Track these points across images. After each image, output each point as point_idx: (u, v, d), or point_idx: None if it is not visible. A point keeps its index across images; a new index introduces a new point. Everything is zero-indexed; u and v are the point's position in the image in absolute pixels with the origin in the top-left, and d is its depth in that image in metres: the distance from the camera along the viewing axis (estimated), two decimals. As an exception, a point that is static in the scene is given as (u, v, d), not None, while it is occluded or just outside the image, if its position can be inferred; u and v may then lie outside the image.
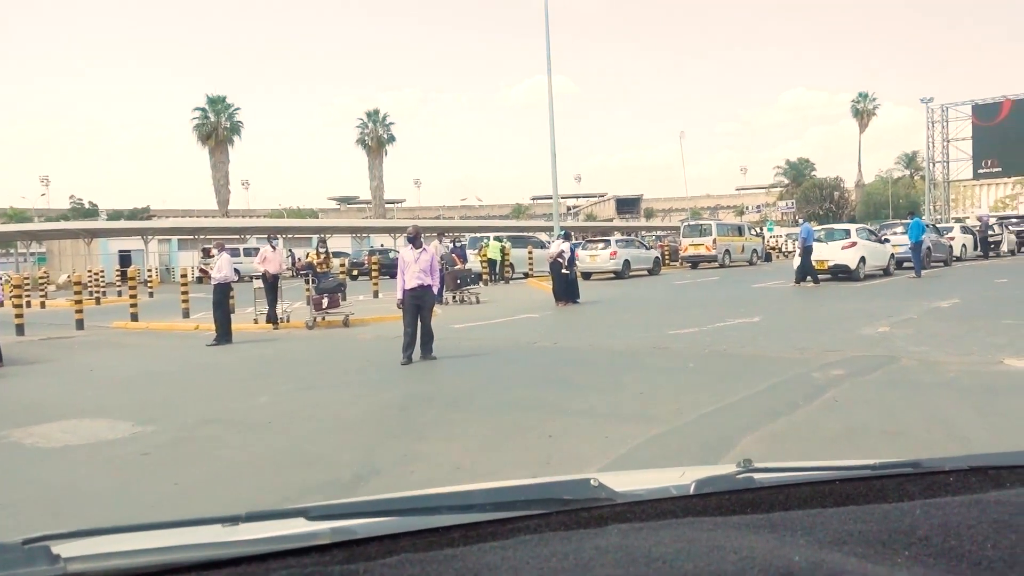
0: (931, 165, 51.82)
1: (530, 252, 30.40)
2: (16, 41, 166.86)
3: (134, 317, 18.62)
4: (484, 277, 26.55)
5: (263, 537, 0.93)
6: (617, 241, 30.04)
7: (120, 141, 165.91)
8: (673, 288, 22.94)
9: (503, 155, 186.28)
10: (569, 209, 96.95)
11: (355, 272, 35.66)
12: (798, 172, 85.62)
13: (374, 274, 25.12)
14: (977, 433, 5.59)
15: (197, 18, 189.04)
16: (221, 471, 5.71)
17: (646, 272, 29.78)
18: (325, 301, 15.54)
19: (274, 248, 16.69)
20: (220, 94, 58.25)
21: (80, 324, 17.99)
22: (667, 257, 34.34)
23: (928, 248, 24.42)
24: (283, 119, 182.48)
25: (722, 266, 32.13)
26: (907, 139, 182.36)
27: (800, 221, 31.28)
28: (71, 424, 7.42)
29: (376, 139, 63.96)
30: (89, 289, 29.35)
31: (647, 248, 32.38)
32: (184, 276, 20.96)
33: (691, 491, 1.12)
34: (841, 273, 21.69)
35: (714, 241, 32.25)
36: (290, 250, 39.75)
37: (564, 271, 18.37)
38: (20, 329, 17.01)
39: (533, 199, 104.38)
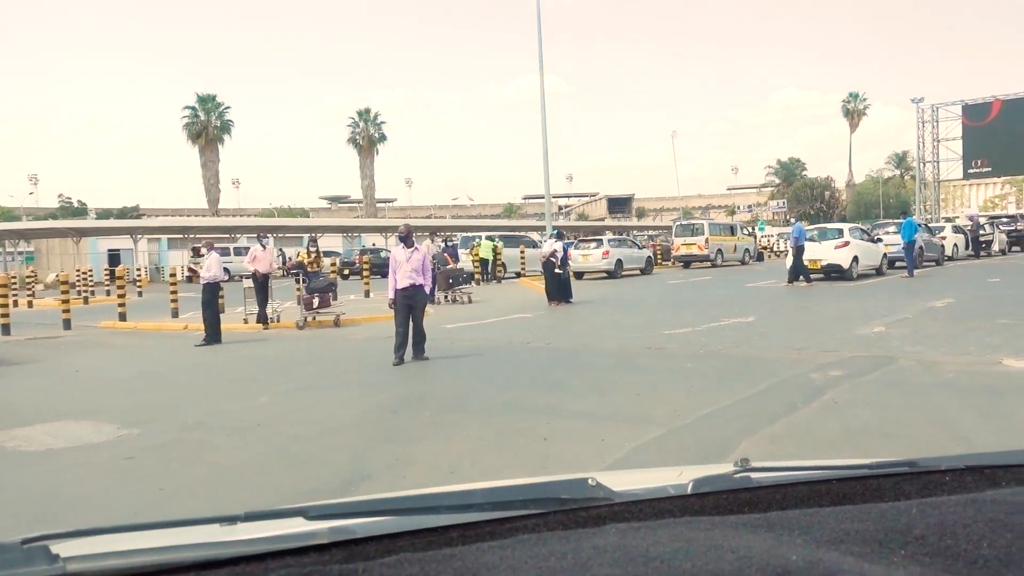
0: (921, 165, 51.96)
1: (522, 251, 30.28)
2: (3, 38, 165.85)
3: (122, 317, 18.42)
4: (476, 276, 26.41)
5: (261, 537, 0.93)
6: (609, 240, 29.96)
7: (109, 140, 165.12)
8: (666, 288, 22.86)
9: (494, 154, 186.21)
10: (561, 208, 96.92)
11: (346, 271, 35.47)
12: (789, 172, 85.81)
13: (365, 273, 24.97)
14: (980, 435, 5.49)
15: (187, 16, 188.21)
16: (208, 475, 5.57)
17: (638, 272, 29.72)
18: (316, 301, 15.38)
19: (264, 247, 16.52)
20: (210, 93, 58.07)
21: (67, 324, 17.78)
22: (659, 256, 34.28)
23: (920, 248, 24.42)
24: (274, 118, 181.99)
25: (714, 265, 32.09)
26: (897, 139, 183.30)
27: (792, 220, 31.30)
28: (55, 427, 7.25)
29: (367, 138, 63.72)
30: (77, 288, 29.13)
31: (639, 248, 32.30)
32: (173, 275, 20.75)
33: (689, 490, 1.11)
34: (834, 273, 21.67)
35: (706, 240, 32.21)
36: (280, 249, 39.51)
37: (557, 271, 18.27)
38: (6, 329, 16.81)
39: (525, 198, 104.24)
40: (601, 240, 29.72)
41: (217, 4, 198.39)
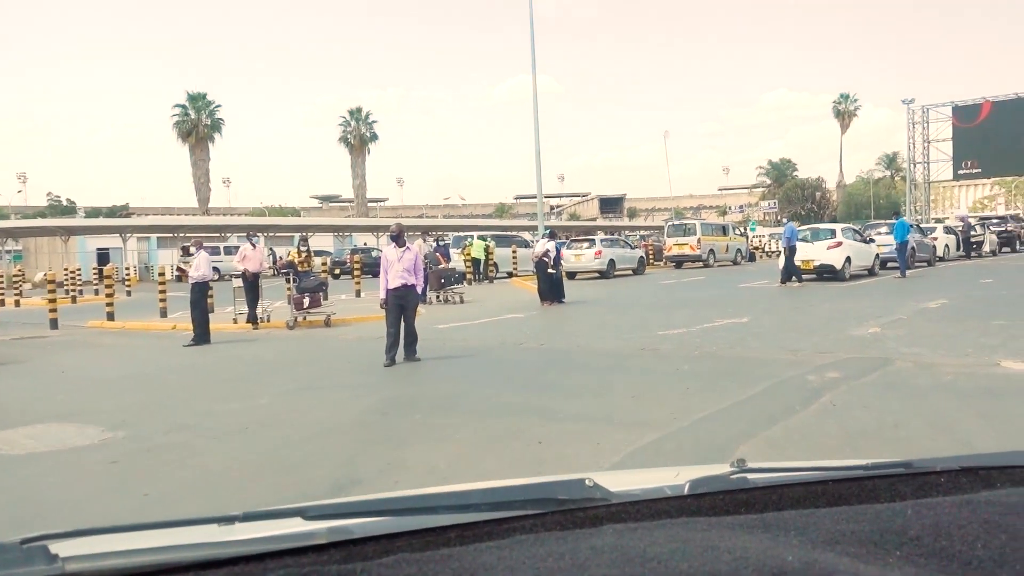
0: (912, 166, 52.10)
1: (514, 251, 30.17)
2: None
3: (110, 316, 18.21)
4: (468, 276, 26.28)
5: (260, 537, 0.92)
6: (602, 240, 29.86)
7: (99, 138, 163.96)
8: (659, 288, 22.78)
9: (486, 154, 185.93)
10: (552, 208, 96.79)
11: (337, 271, 35.31)
12: (780, 172, 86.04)
13: (356, 273, 24.81)
14: (982, 440, 5.39)
15: (177, 14, 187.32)
16: (194, 480, 5.42)
17: (631, 272, 29.63)
18: (306, 300, 15.22)
19: (254, 246, 16.34)
20: (201, 91, 57.64)
21: (54, 323, 17.59)
22: (651, 257, 34.21)
23: (913, 248, 24.41)
24: (265, 117, 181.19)
25: (706, 266, 32.03)
26: (888, 140, 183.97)
27: (784, 221, 31.25)
28: (38, 429, 7.09)
29: (359, 137, 63.49)
30: (65, 288, 28.85)
31: (632, 248, 32.22)
32: (162, 275, 20.53)
33: (685, 491, 1.11)
34: (826, 273, 21.61)
35: (699, 241, 32.14)
36: (271, 248, 39.29)
37: (550, 270, 18.16)
38: (-8, 329, 16.58)
39: (516, 198, 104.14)
40: (593, 240, 29.63)
41: (208, 2, 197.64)
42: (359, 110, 63.89)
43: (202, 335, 13.60)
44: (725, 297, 18.34)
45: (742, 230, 41.55)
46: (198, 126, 56.74)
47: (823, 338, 10.69)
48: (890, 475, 1.16)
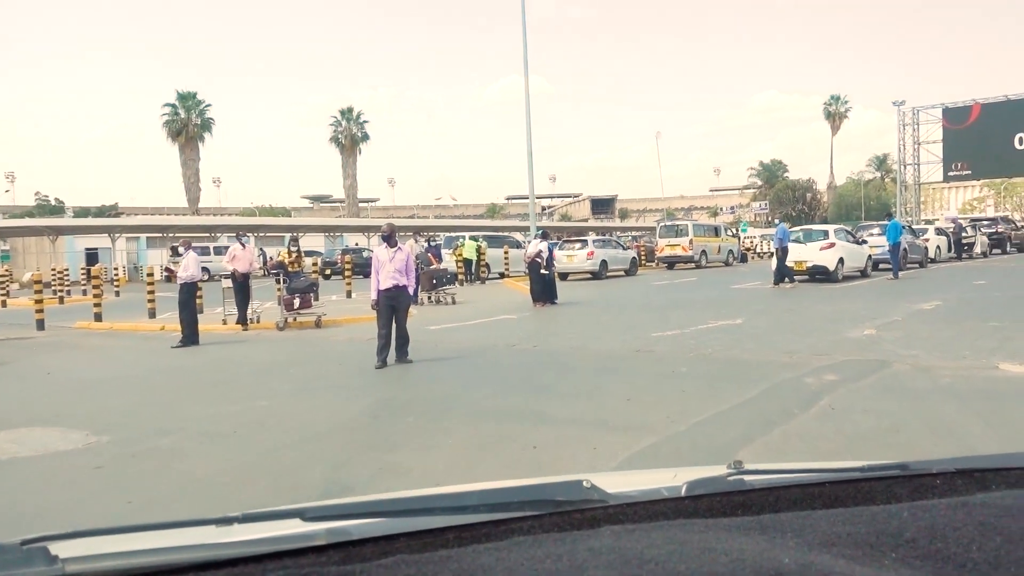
0: (902, 167, 52.16)
1: (506, 252, 30.05)
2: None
3: (98, 317, 17.99)
4: (460, 277, 26.14)
5: (259, 538, 0.92)
6: (594, 241, 29.78)
7: (88, 137, 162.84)
8: (651, 289, 22.70)
9: (478, 155, 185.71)
10: (544, 209, 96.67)
11: (328, 271, 35.11)
12: (771, 174, 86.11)
13: (347, 274, 24.64)
14: (985, 444, 5.30)
15: (167, 13, 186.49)
16: (179, 487, 5.28)
17: (623, 273, 29.56)
18: (297, 301, 15.06)
19: (244, 246, 16.17)
20: (191, 90, 57.26)
21: (41, 324, 17.36)
22: (643, 258, 34.15)
23: (905, 250, 24.42)
24: (256, 116, 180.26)
25: (698, 267, 31.98)
26: (878, 142, 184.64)
27: (776, 222, 31.23)
28: (20, 433, 6.93)
29: (350, 137, 63.24)
30: (53, 288, 28.58)
31: (624, 248, 32.14)
32: (150, 275, 20.31)
33: (683, 493, 1.11)
34: (819, 274, 21.58)
35: (690, 242, 32.08)
36: (261, 249, 39.06)
37: (543, 271, 18.05)
38: (-23, 329, 16.35)
39: (508, 199, 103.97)
40: (586, 241, 29.55)
41: (199, 2, 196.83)
42: (350, 110, 63.67)
43: (191, 336, 13.43)
44: (718, 298, 18.26)
45: (734, 231, 41.56)
46: (188, 125, 56.38)
47: (819, 340, 10.61)
48: (886, 477, 1.15)
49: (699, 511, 1.07)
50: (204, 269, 19.25)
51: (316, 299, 15.63)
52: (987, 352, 9.06)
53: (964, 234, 33.49)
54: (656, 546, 0.89)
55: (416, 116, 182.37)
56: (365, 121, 64.17)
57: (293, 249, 19.78)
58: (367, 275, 12.68)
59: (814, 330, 11.71)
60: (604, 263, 28.13)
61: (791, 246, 21.52)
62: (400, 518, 1.01)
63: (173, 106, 56.49)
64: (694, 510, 1.07)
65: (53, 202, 73.51)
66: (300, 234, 30.04)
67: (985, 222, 39.42)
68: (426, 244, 25.58)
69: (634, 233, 62.90)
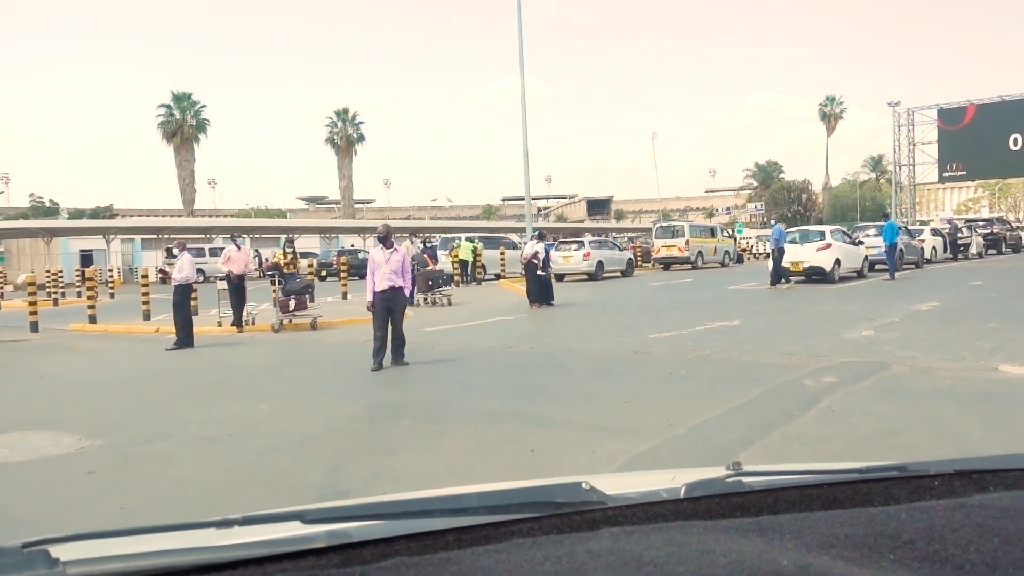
0: (897, 168, 52.19)
1: (502, 253, 29.99)
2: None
3: (92, 319, 17.90)
4: (456, 278, 26.07)
5: (259, 540, 0.93)
6: (590, 242, 29.72)
7: (83, 138, 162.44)
8: (648, 290, 22.66)
9: (473, 156, 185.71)
10: (540, 210, 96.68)
11: (324, 273, 35.02)
12: (767, 175, 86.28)
13: (343, 275, 24.54)
14: (988, 447, 5.24)
15: (162, 13, 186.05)
16: (171, 492, 5.20)
17: (619, 274, 29.50)
18: (292, 303, 14.98)
19: (239, 247, 16.08)
20: (186, 91, 57.14)
21: (35, 327, 17.24)
22: (639, 258, 34.11)
23: (901, 250, 24.41)
24: (251, 117, 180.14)
25: (694, 268, 31.95)
26: (873, 142, 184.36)
27: (772, 223, 31.22)
28: (11, 438, 6.85)
29: (345, 138, 63.17)
30: (47, 290, 28.44)
31: (620, 249, 32.09)
32: (145, 276, 20.19)
33: (681, 495, 1.11)
34: (816, 275, 21.56)
35: (687, 242, 32.04)
36: (256, 250, 38.95)
37: (539, 272, 17.99)
38: (-30, 332, 16.24)
39: (504, 200, 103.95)
40: (582, 242, 29.49)
41: (194, 2, 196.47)
42: (346, 111, 63.66)
43: (185, 338, 13.34)
44: (715, 299, 18.22)
45: (729, 232, 41.55)
46: (183, 126, 56.28)
47: (817, 341, 10.57)
48: (884, 479, 1.15)
49: (698, 513, 1.07)
50: (199, 270, 19.14)
51: (312, 301, 15.54)
52: (986, 353, 9.02)
53: (960, 235, 33.53)
54: (655, 548, 0.89)
55: (412, 117, 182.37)
56: (361, 122, 64.27)
57: (288, 250, 19.74)
58: (363, 276, 12.60)
59: (812, 331, 11.67)
60: (600, 264, 28.08)
61: (787, 247, 21.50)
62: (399, 520, 1.01)
63: (168, 107, 56.39)
64: (693, 512, 1.07)
65: (48, 203, 73.33)
66: (296, 235, 29.98)
67: (980, 223, 39.50)
68: (422, 245, 25.53)
69: (630, 234, 62.84)
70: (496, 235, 37.73)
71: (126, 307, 21.17)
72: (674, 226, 35.22)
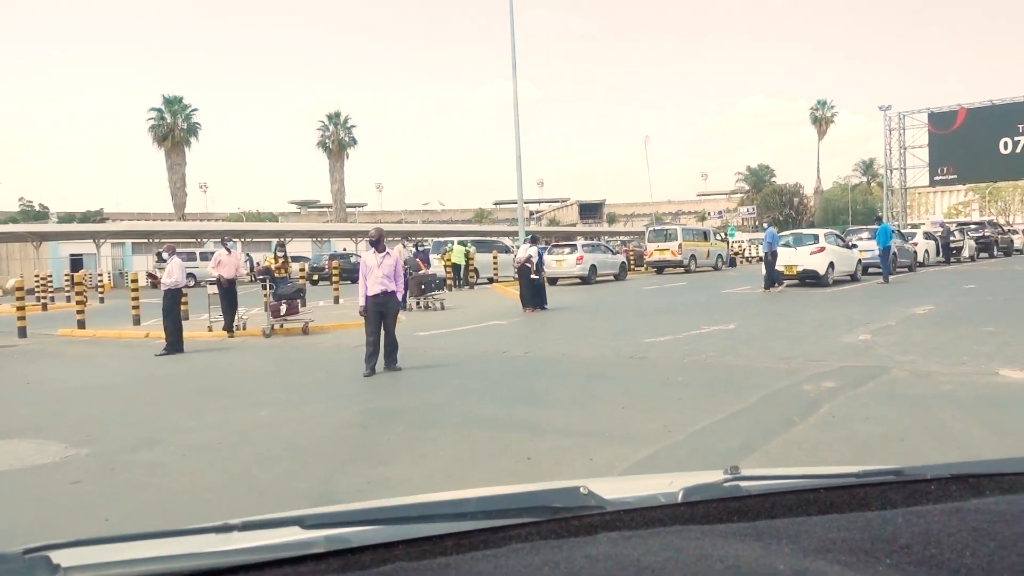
0: (889, 172, 52.31)
1: (495, 257, 29.86)
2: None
3: (81, 324, 17.69)
4: (448, 282, 25.94)
5: (258, 545, 0.93)
6: (584, 246, 29.65)
7: (73, 141, 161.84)
8: (642, 294, 22.57)
9: (465, 159, 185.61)
10: (532, 214, 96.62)
11: (315, 277, 34.83)
12: (758, 178, 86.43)
13: (335, 279, 24.37)
14: (994, 454, 5.13)
15: (153, 16, 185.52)
16: (158, 503, 5.06)
17: (612, 277, 29.44)
18: (283, 307, 14.82)
19: (229, 251, 15.90)
20: (177, 94, 56.73)
21: (23, 332, 17.04)
22: (632, 262, 34.03)
23: (894, 254, 24.40)
24: (243, 121, 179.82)
25: (688, 271, 31.88)
26: (864, 146, 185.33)
27: (764, 226, 31.18)
28: (-5, 446, 6.68)
29: (337, 142, 62.90)
30: (36, 295, 28.18)
31: (613, 253, 32.02)
32: (135, 281, 19.99)
33: (679, 499, 1.11)
34: (810, 278, 21.51)
35: (680, 246, 31.98)
36: (248, 254, 38.70)
37: (533, 276, 17.88)
38: (-44, 337, 16.02)
39: (496, 204, 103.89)
40: (575, 245, 29.41)
41: (186, 6, 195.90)
42: (338, 114, 63.33)
43: (175, 344, 13.16)
44: (709, 303, 18.14)
45: (722, 235, 41.53)
46: (174, 130, 55.90)
47: (814, 345, 10.47)
48: (881, 483, 1.15)
49: (696, 517, 1.07)
50: (190, 275, 18.96)
51: (303, 305, 15.39)
52: (985, 357, 8.94)
53: (952, 238, 33.60)
54: (652, 553, 0.89)
55: (404, 121, 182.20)
56: (353, 126, 63.92)
57: (279, 254, 19.48)
58: (355, 281, 12.47)
59: (808, 335, 11.58)
60: (593, 268, 28.00)
61: (781, 250, 21.44)
62: (398, 525, 1.01)
63: (159, 111, 56.01)
64: (690, 516, 1.08)
65: (37, 207, 72.97)
66: (287, 239, 29.74)
67: (972, 226, 39.58)
68: (414, 249, 25.39)
69: (623, 237, 62.79)
70: (489, 239, 37.64)
71: (116, 312, 20.97)
72: (667, 229, 35.16)
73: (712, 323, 13.50)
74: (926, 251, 30.92)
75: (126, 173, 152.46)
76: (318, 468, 5.70)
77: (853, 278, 22.95)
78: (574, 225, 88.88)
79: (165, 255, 14.69)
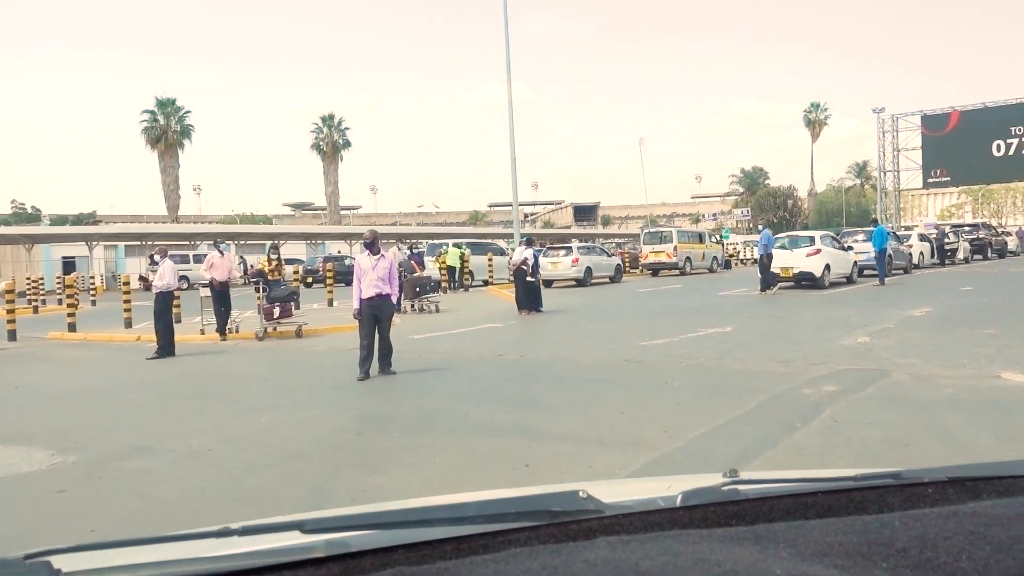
0: (882, 174, 52.37)
1: (490, 259, 29.75)
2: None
3: (72, 327, 17.51)
4: (443, 285, 25.80)
5: (259, 550, 0.93)
6: (579, 248, 29.57)
7: (66, 143, 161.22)
8: (637, 296, 22.47)
9: (460, 162, 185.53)
10: (526, 216, 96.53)
11: (309, 279, 34.65)
12: (752, 181, 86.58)
13: (329, 282, 24.21)
14: (1000, 459, 5.04)
15: (147, 18, 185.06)
16: (147, 512, 4.92)
17: (608, 280, 29.35)
18: (277, 310, 14.68)
19: (222, 254, 15.77)
20: (170, 96, 56.41)
21: (12, 335, 16.87)
22: (627, 264, 33.97)
23: (890, 256, 24.36)
24: (236, 123, 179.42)
25: (683, 273, 31.83)
26: (857, 149, 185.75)
27: (759, 228, 31.16)
28: (-19, 453, 6.53)
29: (331, 144, 62.69)
30: (27, 297, 27.96)
31: (608, 255, 31.94)
32: (127, 283, 19.80)
33: (678, 503, 1.11)
34: (806, 281, 21.44)
35: (675, 248, 31.95)
36: (241, 257, 38.52)
37: (529, 278, 17.77)
38: (-55, 341, 15.84)
39: (490, 206, 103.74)
40: (570, 248, 29.34)
41: (179, 7, 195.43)
42: (332, 117, 63.11)
43: (167, 347, 13.01)
44: (705, 305, 18.05)
45: (717, 238, 41.49)
46: (167, 132, 55.59)
47: (813, 348, 10.38)
48: (879, 486, 1.15)
49: (694, 521, 1.07)
50: (183, 277, 18.79)
51: (297, 308, 15.27)
52: (986, 360, 8.85)
53: (947, 240, 33.61)
54: (651, 557, 0.89)
55: (398, 123, 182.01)
56: (347, 128, 63.68)
57: (273, 257, 19.35)
58: (349, 283, 12.34)
59: (806, 338, 11.49)
60: (589, 270, 27.92)
61: (777, 252, 21.38)
62: (398, 530, 1.00)
63: (152, 113, 55.69)
64: (689, 520, 1.07)
65: (29, 210, 72.65)
66: (281, 242, 29.65)
67: (967, 228, 39.63)
68: (409, 251, 25.25)
69: (618, 240, 62.75)
70: (483, 241, 37.50)
71: (108, 315, 20.80)
72: (662, 232, 35.13)
73: (709, 326, 13.40)
74: (921, 253, 30.90)
75: (119, 175, 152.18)
76: (311, 476, 5.57)
77: (849, 280, 22.88)
78: (569, 227, 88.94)
79: (157, 257, 14.54)
